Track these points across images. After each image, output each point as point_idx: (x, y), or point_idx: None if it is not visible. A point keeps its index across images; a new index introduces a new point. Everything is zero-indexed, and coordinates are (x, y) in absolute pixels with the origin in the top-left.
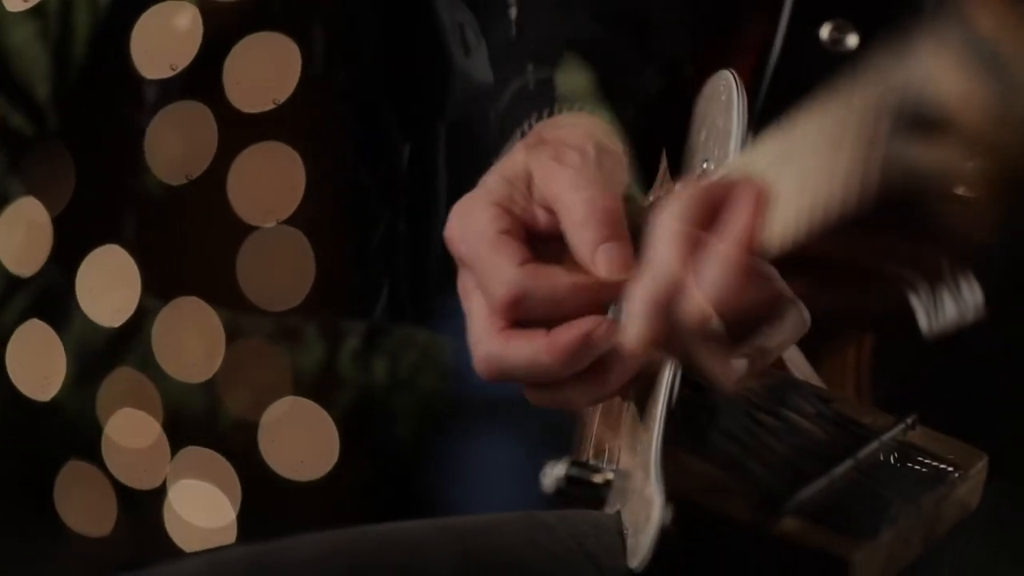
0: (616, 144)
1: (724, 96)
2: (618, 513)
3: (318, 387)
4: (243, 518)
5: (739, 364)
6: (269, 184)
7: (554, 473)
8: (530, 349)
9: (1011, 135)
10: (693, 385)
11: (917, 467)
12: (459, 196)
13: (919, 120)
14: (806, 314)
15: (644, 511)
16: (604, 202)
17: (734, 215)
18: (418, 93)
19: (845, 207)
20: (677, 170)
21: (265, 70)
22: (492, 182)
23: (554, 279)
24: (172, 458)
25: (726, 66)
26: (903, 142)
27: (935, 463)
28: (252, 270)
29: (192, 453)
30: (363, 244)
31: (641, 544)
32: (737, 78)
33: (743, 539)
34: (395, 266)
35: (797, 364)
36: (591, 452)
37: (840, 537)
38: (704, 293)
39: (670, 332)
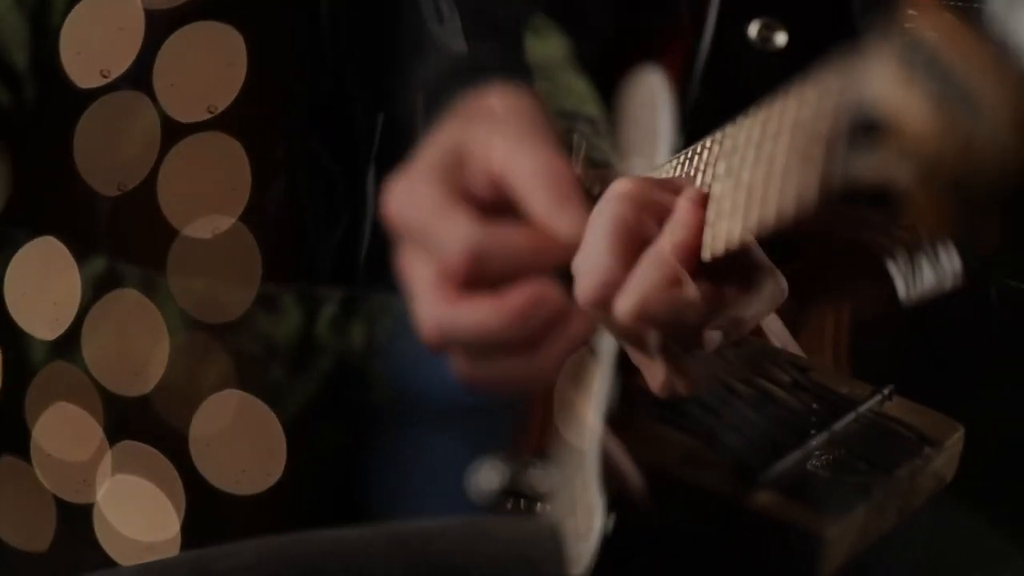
0: (546, 115)
1: (650, 96)
2: (558, 520)
3: (296, 355)
4: (185, 526)
5: (713, 335)
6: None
7: (489, 480)
8: (479, 312)
9: (953, 143)
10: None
11: (893, 439)
12: None
13: (860, 127)
14: (783, 283)
15: (586, 519)
16: (555, 163)
17: (673, 222)
18: (392, 63)
19: (787, 213)
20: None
21: (206, 66)
22: (428, 155)
23: (512, 237)
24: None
25: (653, 65)
26: (846, 149)
27: (911, 435)
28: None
29: (132, 461)
30: (333, 219)
31: (583, 552)
32: (663, 77)
33: (717, 512)
34: (376, 234)
35: (775, 332)
36: (528, 458)
37: (814, 512)
38: (634, 297)
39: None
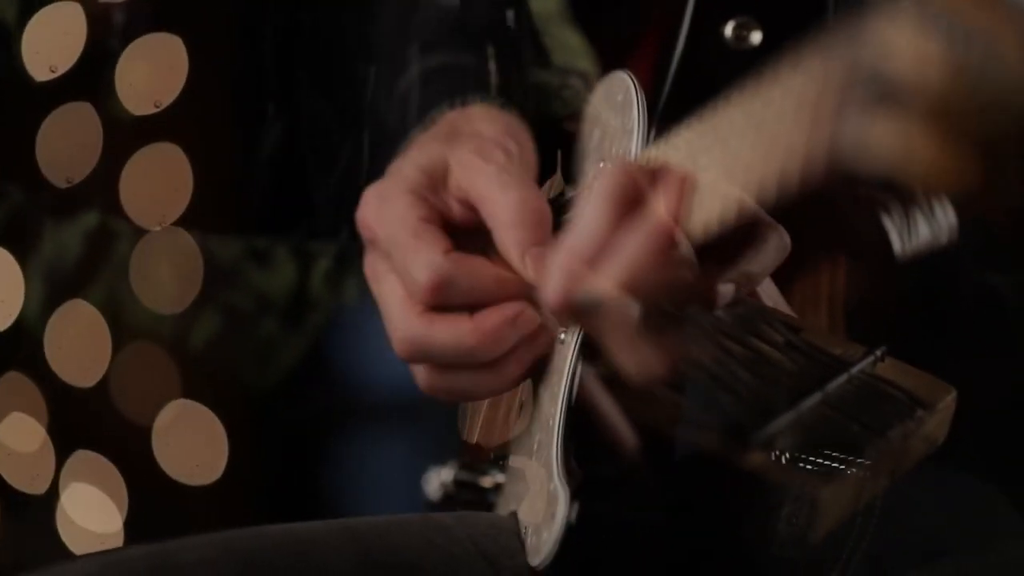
0: (530, 140)
1: (620, 96)
2: (513, 514)
3: (289, 309)
4: (133, 517)
5: (726, 290)
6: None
7: (440, 478)
8: (454, 332)
9: (983, 105)
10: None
11: (885, 401)
12: None
13: (874, 94)
14: (786, 237)
15: (548, 508)
16: (533, 204)
17: (657, 202)
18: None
19: (790, 183)
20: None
21: (153, 70)
22: (407, 171)
23: (478, 269)
24: (63, 462)
25: (622, 66)
26: (858, 116)
27: (903, 397)
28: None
29: (82, 457)
30: (326, 172)
31: (544, 541)
32: (633, 78)
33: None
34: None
35: (768, 292)
36: (477, 455)
37: (807, 472)
38: (614, 273)
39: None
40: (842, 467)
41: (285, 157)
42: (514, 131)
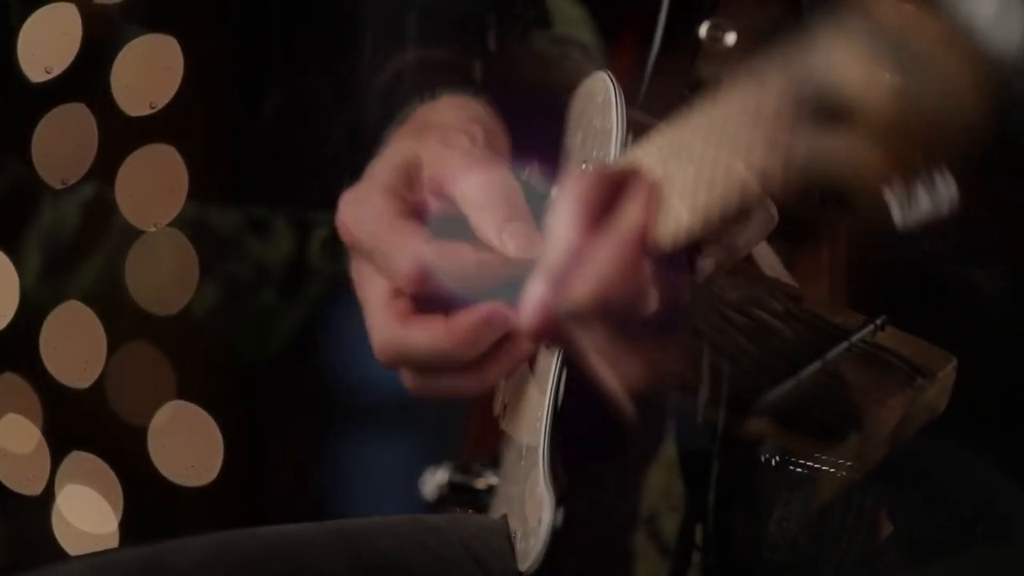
0: (497, 124)
1: (601, 97)
2: (504, 517)
3: (287, 279)
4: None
5: (705, 263)
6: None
7: (435, 479)
8: (430, 334)
9: (923, 123)
10: None
11: (886, 369)
12: None
13: (823, 110)
14: (773, 209)
15: (534, 514)
16: (502, 182)
17: (626, 210)
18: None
19: (749, 193)
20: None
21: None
22: (381, 171)
23: (461, 255)
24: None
25: (601, 67)
26: (810, 131)
27: (904, 365)
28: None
29: (77, 458)
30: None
31: (532, 547)
32: (613, 79)
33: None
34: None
35: (769, 262)
36: (473, 458)
37: (807, 440)
38: (588, 281)
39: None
40: (843, 437)
41: (283, 126)
42: (479, 116)
